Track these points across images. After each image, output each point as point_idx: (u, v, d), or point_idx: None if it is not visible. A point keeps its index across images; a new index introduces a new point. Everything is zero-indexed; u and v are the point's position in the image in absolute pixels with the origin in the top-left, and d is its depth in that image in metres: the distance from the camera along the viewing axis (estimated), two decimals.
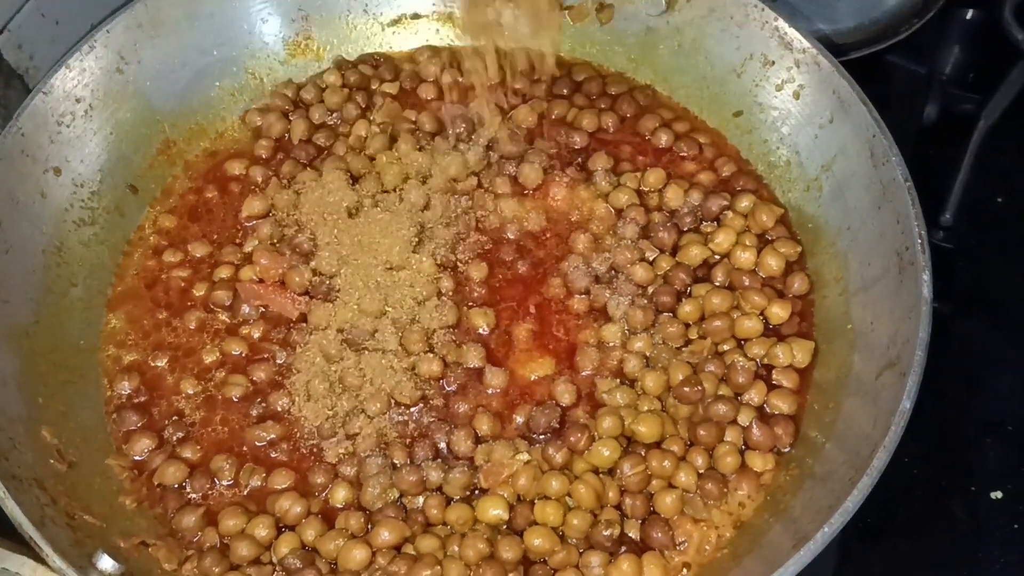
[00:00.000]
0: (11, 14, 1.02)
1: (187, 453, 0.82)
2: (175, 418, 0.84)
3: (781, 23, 0.92)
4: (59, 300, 0.87)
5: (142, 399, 0.85)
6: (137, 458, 0.82)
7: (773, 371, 0.84)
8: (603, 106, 1.00)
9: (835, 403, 0.80)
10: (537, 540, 0.76)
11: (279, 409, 0.84)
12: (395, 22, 1.06)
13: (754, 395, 0.83)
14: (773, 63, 0.94)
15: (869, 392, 0.77)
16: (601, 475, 0.79)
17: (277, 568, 0.77)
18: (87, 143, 0.92)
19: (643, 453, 0.80)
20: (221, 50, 1.00)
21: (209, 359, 0.87)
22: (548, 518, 0.77)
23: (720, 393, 0.83)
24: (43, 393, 0.81)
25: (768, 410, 0.83)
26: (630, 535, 0.78)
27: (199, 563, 0.76)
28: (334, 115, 1.01)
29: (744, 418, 0.81)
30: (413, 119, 0.99)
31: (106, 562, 0.70)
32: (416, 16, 1.06)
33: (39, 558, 0.68)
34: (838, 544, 0.85)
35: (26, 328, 0.83)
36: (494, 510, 0.77)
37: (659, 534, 0.77)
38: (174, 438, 0.83)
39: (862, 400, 0.78)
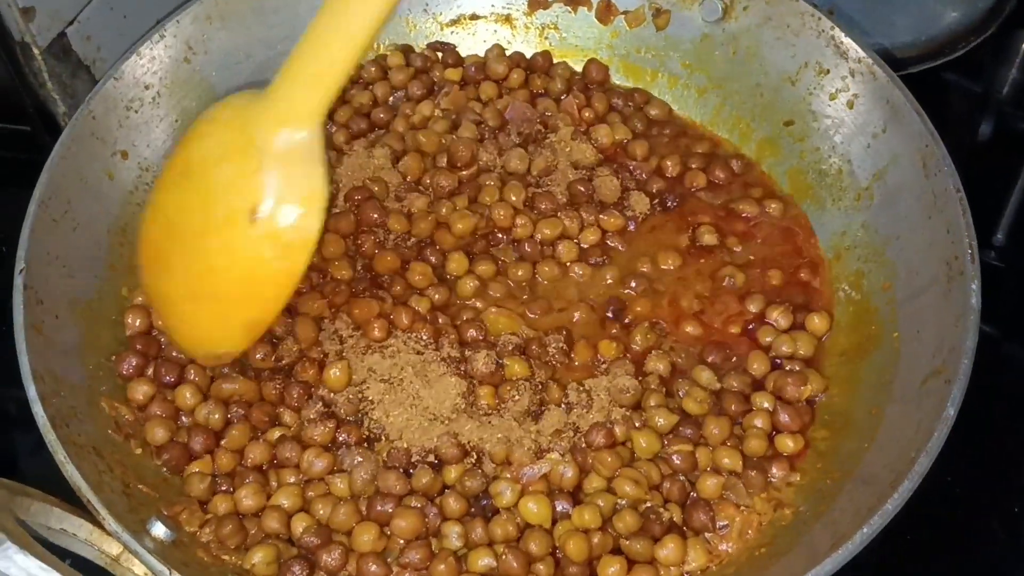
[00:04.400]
0: (81, 6, 1.05)
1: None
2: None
3: (837, 32, 0.93)
4: (121, 278, 0.89)
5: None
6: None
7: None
8: (695, 165, 0.98)
9: (878, 409, 0.80)
10: (571, 544, 0.75)
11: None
12: (454, 22, 1.08)
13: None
14: (828, 72, 0.95)
15: (913, 399, 0.77)
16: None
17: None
18: (153, 128, 0.95)
19: (689, 434, 0.81)
20: (284, 44, 1.00)
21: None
22: (587, 523, 0.77)
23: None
24: (103, 366, 0.83)
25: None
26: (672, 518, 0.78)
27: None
28: (397, 93, 1.03)
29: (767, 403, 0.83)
30: (478, 111, 1.01)
31: (159, 529, 0.72)
32: (475, 17, 1.08)
33: (96, 521, 0.70)
34: (879, 560, 0.85)
35: (89, 303, 0.85)
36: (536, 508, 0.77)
37: (702, 515, 0.77)
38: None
39: (906, 407, 0.78)
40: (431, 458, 0.80)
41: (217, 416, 0.81)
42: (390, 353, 0.84)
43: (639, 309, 0.89)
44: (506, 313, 0.88)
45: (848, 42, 0.93)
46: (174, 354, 0.85)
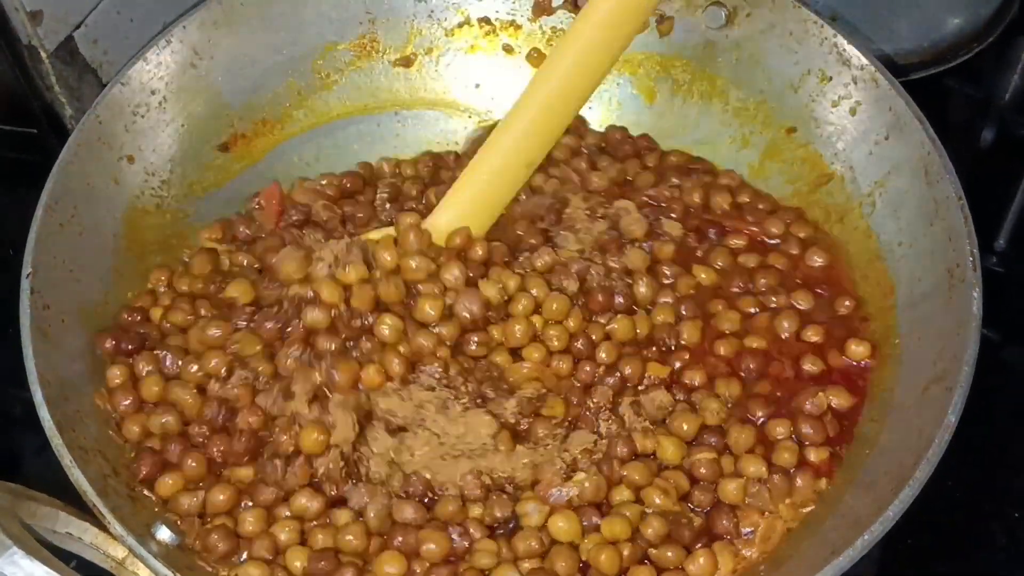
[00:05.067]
0: (88, 10, 1.06)
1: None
2: None
3: (840, 39, 0.93)
4: (127, 282, 0.90)
5: None
6: None
7: None
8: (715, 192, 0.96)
9: (880, 415, 0.81)
10: (604, 558, 0.74)
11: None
12: (459, 27, 1.08)
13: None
14: (830, 79, 0.95)
15: (914, 406, 0.78)
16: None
17: None
18: (160, 134, 0.95)
19: (713, 442, 0.81)
20: (290, 49, 1.03)
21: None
22: (617, 535, 0.76)
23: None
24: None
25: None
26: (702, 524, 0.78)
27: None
28: None
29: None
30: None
31: (164, 533, 0.72)
32: (480, 22, 1.08)
33: (101, 525, 0.71)
34: (880, 565, 0.85)
35: (95, 307, 0.86)
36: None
37: (725, 521, 0.77)
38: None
39: (907, 413, 0.78)
40: (453, 491, 0.78)
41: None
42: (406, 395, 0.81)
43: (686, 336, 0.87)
44: (529, 367, 0.84)
45: (850, 49, 0.93)
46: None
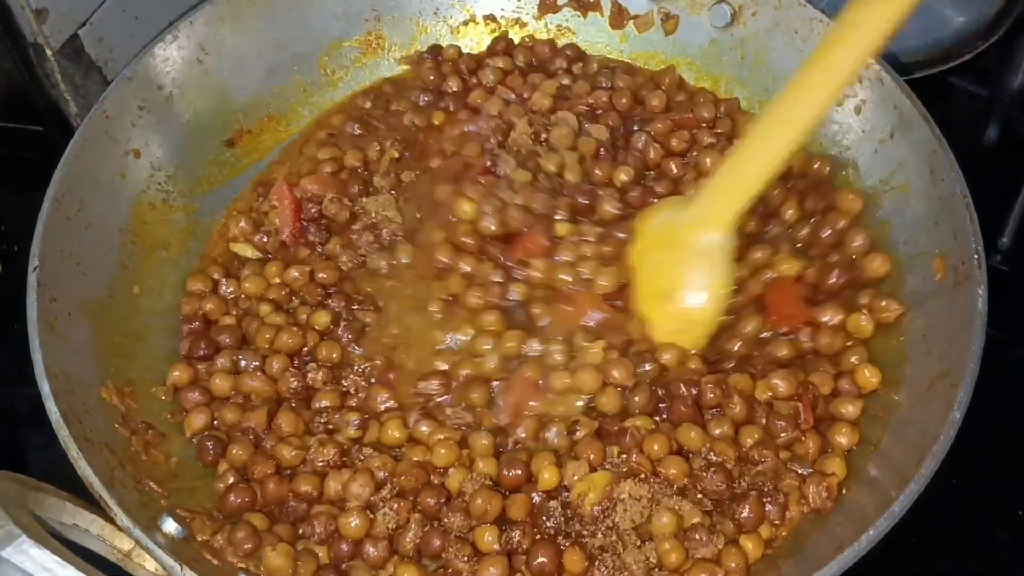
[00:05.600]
0: (94, 8, 1.06)
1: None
2: None
3: None
4: (133, 276, 0.90)
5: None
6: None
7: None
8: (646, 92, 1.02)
9: (884, 412, 0.81)
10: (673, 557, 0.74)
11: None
12: (464, 25, 1.09)
13: None
14: None
15: (920, 403, 0.78)
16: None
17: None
18: (166, 128, 0.96)
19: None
20: (296, 46, 1.04)
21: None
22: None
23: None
24: (114, 363, 0.84)
25: None
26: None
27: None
28: None
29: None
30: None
31: (170, 525, 0.72)
32: (485, 19, 1.09)
33: (107, 517, 0.71)
34: (884, 562, 0.85)
35: (101, 301, 0.86)
36: None
37: (771, 507, 0.76)
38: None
39: (912, 410, 0.78)
40: None
41: None
42: None
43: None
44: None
45: None
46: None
